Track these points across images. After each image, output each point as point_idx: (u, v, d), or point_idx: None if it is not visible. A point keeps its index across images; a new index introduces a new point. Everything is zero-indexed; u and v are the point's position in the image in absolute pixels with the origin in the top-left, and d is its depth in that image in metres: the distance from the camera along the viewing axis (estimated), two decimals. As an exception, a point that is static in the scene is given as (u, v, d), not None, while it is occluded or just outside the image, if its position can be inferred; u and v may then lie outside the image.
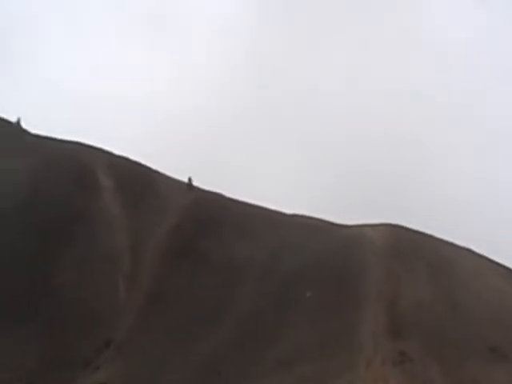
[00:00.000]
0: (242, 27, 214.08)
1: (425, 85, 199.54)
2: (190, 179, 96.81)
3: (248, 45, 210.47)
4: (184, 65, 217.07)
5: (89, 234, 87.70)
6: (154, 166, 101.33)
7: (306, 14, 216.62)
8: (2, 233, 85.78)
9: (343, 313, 71.24)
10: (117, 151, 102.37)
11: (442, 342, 65.97)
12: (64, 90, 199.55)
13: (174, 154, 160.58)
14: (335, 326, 70.03)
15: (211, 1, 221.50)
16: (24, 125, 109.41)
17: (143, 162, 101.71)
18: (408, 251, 79.08)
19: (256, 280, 79.60)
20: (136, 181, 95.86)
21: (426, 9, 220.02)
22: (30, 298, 78.83)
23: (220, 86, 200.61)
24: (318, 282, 76.12)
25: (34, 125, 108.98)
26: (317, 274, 77.34)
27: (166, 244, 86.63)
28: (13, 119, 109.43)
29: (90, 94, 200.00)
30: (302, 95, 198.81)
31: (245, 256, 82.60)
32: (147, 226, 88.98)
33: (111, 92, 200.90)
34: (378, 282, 74.67)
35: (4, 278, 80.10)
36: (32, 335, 76.82)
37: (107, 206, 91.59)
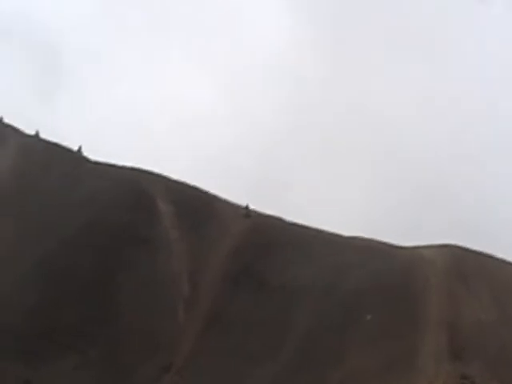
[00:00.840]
0: (299, 45, 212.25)
1: (497, 103, 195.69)
2: (247, 207, 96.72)
3: (311, 60, 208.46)
4: (240, 84, 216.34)
5: (148, 258, 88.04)
6: (212, 190, 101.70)
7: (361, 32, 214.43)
8: (63, 258, 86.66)
9: (404, 335, 70.54)
10: (175, 176, 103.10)
11: (505, 365, 64.84)
12: (126, 116, 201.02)
13: (235, 176, 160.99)
14: (396, 348, 69.35)
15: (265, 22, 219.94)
16: (86, 152, 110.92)
17: (201, 186, 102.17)
18: (469, 272, 78.11)
19: (315, 303, 79.11)
20: (194, 205, 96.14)
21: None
22: (90, 323, 79.20)
23: (279, 106, 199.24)
24: (378, 305, 75.52)
25: (97, 151, 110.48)
26: (377, 297, 76.73)
27: (225, 268, 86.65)
28: (75, 147, 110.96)
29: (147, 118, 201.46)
30: (364, 114, 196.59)
31: (303, 280, 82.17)
32: (206, 250, 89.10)
33: (163, 115, 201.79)
34: (439, 303, 73.84)
35: (64, 303, 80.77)
36: (92, 361, 77.19)
37: (166, 230, 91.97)
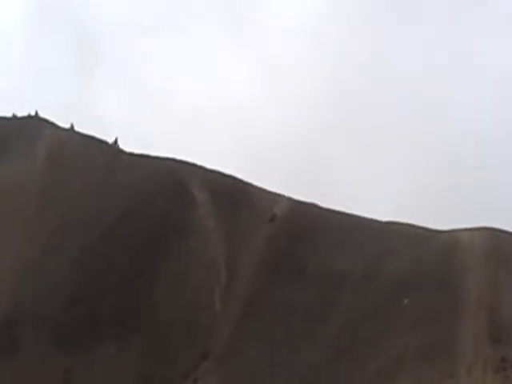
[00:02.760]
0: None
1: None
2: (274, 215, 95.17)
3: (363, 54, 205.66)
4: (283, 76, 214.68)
5: (185, 247, 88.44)
6: (249, 179, 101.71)
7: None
8: (103, 248, 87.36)
9: (443, 319, 70.08)
10: (212, 165, 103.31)
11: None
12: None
13: (273, 163, 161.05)
14: (435, 333, 68.94)
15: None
16: (124, 143, 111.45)
17: (238, 175, 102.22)
18: (508, 254, 77.33)
19: (353, 289, 78.85)
20: (230, 194, 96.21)
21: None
22: (130, 312, 79.79)
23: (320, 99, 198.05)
24: (417, 290, 75.13)
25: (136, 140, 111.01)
26: (415, 282, 76.34)
27: (262, 255, 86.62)
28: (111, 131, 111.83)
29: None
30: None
31: (341, 265, 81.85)
32: (242, 238, 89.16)
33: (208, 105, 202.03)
34: (478, 287, 73.26)
35: (101, 293, 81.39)
36: (132, 349, 77.81)
37: (203, 219, 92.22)
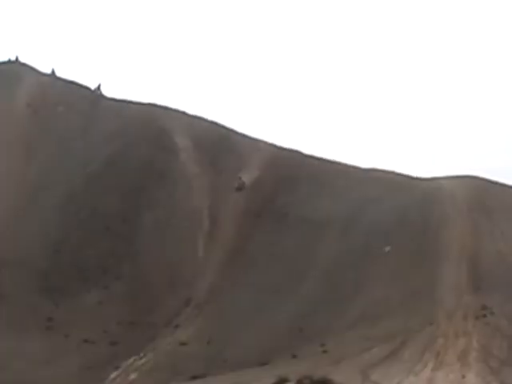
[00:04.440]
0: None
1: None
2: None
3: None
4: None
5: (168, 194, 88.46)
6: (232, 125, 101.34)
7: None
8: (87, 195, 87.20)
9: (424, 267, 70.56)
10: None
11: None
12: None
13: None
14: (416, 280, 69.40)
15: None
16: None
17: (221, 121, 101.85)
18: (491, 204, 77.73)
19: (336, 236, 79.30)
20: (213, 140, 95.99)
21: None
22: (111, 260, 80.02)
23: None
24: (398, 237, 75.51)
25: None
26: (397, 229, 76.72)
27: (245, 202, 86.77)
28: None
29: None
30: None
31: (324, 212, 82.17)
32: (225, 184, 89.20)
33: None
34: (460, 235, 73.67)
35: (85, 241, 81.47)
36: (115, 296, 78.15)
37: (185, 166, 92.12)
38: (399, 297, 68.50)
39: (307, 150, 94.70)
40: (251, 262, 78.81)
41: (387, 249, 74.64)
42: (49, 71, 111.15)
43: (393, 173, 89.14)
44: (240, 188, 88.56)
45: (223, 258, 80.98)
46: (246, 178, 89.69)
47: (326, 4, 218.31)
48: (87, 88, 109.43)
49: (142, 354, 70.76)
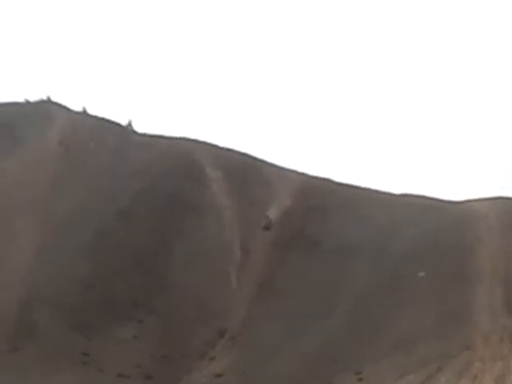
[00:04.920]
0: None
1: None
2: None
3: None
4: None
5: (200, 226, 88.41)
6: (262, 156, 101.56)
7: None
8: (118, 228, 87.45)
9: (458, 291, 70.09)
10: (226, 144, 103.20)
11: None
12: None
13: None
14: (450, 304, 68.89)
15: None
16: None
17: (252, 152, 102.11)
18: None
19: (368, 262, 78.86)
20: (243, 171, 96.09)
21: None
22: (144, 294, 79.94)
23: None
24: (431, 262, 75.03)
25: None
26: (429, 254, 76.29)
27: (276, 232, 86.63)
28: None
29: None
30: None
31: (355, 240, 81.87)
32: (256, 214, 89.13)
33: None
34: (493, 257, 73.10)
35: (116, 275, 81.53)
36: (149, 329, 78.03)
37: (216, 197, 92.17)
38: (434, 322, 68.05)
39: (337, 177, 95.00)
40: (283, 291, 78.50)
41: (421, 274, 74.12)
42: (80, 109, 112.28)
43: (424, 197, 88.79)
44: (267, 227, 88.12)
45: (255, 289, 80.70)
46: (277, 207, 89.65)
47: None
48: (118, 124, 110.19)
49: (177, 388, 70.87)
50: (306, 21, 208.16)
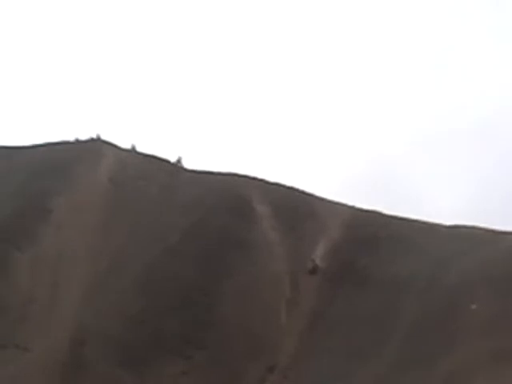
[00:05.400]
0: None
1: None
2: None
3: None
4: None
5: (249, 261, 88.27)
6: (310, 189, 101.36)
7: None
8: (167, 265, 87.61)
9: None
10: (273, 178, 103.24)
11: None
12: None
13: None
14: (504, 339, 67.30)
15: None
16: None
17: (299, 185, 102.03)
18: None
19: (419, 295, 77.79)
20: (291, 206, 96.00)
21: None
22: (193, 330, 79.77)
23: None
24: (484, 294, 73.59)
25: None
26: (482, 285, 74.81)
27: (325, 266, 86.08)
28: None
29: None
30: None
31: (407, 271, 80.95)
32: (305, 249, 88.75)
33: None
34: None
35: (166, 311, 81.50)
36: (199, 366, 77.80)
37: (265, 232, 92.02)
38: (488, 354, 66.55)
39: (388, 209, 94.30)
40: (333, 326, 77.89)
41: (473, 306, 72.79)
42: (129, 147, 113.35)
43: (475, 228, 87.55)
44: (313, 271, 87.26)
45: (305, 323, 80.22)
46: (326, 241, 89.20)
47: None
48: (167, 161, 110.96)
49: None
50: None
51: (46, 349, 78.29)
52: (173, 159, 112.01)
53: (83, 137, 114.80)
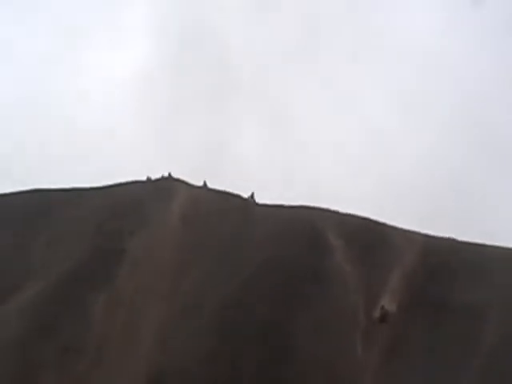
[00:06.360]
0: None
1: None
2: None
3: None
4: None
5: (324, 295, 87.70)
6: (384, 218, 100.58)
7: None
8: (242, 300, 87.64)
9: None
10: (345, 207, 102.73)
11: None
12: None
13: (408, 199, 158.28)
14: None
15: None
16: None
17: (373, 215, 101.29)
18: None
19: (498, 321, 76.50)
20: (365, 236, 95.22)
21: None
22: (269, 366, 79.48)
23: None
24: None
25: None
26: None
27: (399, 296, 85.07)
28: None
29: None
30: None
31: (483, 298, 79.61)
32: (379, 280, 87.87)
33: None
34: None
35: (240, 348, 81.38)
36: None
37: (339, 264, 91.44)
38: None
39: (462, 235, 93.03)
40: (408, 358, 76.88)
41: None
42: (201, 184, 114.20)
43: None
44: (383, 319, 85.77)
45: (381, 355, 79.25)
46: (400, 271, 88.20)
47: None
48: (239, 197, 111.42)
49: None
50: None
51: (123, 390, 79.04)
52: (245, 195, 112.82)
53: (155, 176, 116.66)
